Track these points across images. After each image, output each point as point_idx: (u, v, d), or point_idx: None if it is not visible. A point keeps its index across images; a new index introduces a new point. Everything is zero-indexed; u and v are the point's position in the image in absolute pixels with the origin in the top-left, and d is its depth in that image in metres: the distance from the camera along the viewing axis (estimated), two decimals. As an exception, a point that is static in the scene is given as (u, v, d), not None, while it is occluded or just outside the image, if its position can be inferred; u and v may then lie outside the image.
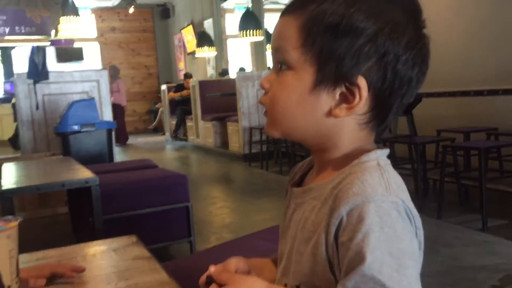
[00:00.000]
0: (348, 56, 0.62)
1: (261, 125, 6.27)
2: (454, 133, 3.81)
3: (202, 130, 7.96)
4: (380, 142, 0.72)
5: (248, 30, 7.56)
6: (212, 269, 0.70)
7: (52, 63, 5.08)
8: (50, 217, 3.86)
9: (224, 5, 11.17)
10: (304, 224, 0.66)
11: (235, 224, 3.53)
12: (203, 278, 0.71)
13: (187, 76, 9.68)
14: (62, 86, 5.04)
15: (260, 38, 8.02)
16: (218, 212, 3.92)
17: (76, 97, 4.69)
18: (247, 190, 4.80)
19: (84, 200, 2.54)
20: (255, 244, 1.37)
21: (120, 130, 8.79)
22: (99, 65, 11.65)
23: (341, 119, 0.64)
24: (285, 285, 0.69)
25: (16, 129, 7.93)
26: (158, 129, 11.88)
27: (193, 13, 11.30)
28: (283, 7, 0.70)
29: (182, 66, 12.45)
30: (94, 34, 12.53)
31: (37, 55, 4.77)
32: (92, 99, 4.31)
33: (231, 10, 11.64)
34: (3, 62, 10.99)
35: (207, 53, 9.62)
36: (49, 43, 5.97)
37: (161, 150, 8.82)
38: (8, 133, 9.36)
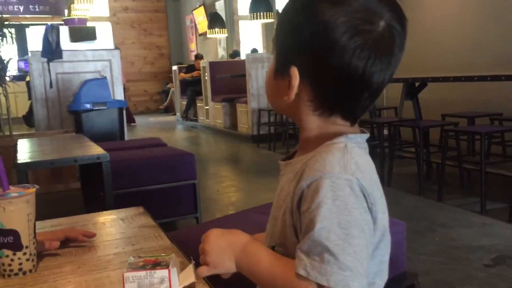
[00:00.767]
0: (284, 49, 0.73)
1: (270, 107, 6.34)
2: (459, 118, 3.86)
3: (212, 111, 8.05)
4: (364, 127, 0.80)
5: (259, 12, 7.57)
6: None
7: (65, 42, 5.17)
8: (63, 192, 4.00)
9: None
10: (280, 193, 0.76)
11: (240, 202, 3.64)
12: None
13: (198, 57, 9.74)
14: (75, 65, 5.15)
15: (271, 20, 8.03)
16: (225, 191, 4.03)
17: (89, 76, 4.79)
18: (254, 170, 4.90)
19: (96, 176, 2.65)
20: (252, 217, 1.47)
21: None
22: (111, 45, 11.72)
23: (296, 104, 0.74)
24: (273, 247, 0.78)
25: (30, 107, 8.08)
26: (169, 109, 11.99)
27: (205, -6, 11.30)
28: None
29: (193, 47, 12.49)
30: (106, 13, 12.59)
31: (51, 34, 4.86)
32: (104, 78, 4.41)
33: (243, -9, 11.62)
34: (17, 40, 11.12)
35: (218, 34, 9.65)
36: (63, 22, 6.04)
37: (171, 130, 8.94)
38: (22, 111, 9.54)
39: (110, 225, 1.28)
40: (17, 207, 0.90)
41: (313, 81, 0.71)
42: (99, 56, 5.28)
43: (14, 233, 0.90)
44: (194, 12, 11.76)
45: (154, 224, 1.25)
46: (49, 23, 5.54)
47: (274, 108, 0.82)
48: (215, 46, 11.08)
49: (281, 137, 5.88)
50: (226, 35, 9.90)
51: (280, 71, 0.75)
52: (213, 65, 7.95)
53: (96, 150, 2.54)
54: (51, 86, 5.04)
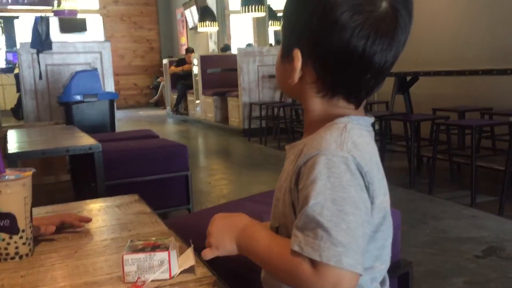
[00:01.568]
0: (287, 33, 0.75)
1: (261, 101, 6.34)
2: (449, 112, 3.89)
3: (202, 105, 8.03)
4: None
5: (251, 6, 7.56)
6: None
7: (55, 33, 5.12)
8: (53, 184, 3.96)
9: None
10: (282, 174, 0.77)
11: (232, 194, 3.64)
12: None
13: (189, 50, 9.70)
14: (65, 57, 5.09)
15: (262, 14, 8.02)
16: (217, 184, 4.03)
17: (79, 68, 4.74)
18: (246, 163, 4.91)
19: (87, 168, 2.63)
20: (248, 205, 1.47)
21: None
22: (101, 38, 11.63)
23: (301, 86, 0.75)
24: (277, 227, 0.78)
25: (19, 100, 7.99)
26: (159, 103, 11.93)
27: (196, -13, 11.23)
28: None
29: (184, 41, 12.42)
30: (96, 6, 12.47)
31: (41, 25, 4.81)
32: (95, 70, 4.38)
33: (235, -15, 11.58)
34: (5, 32, 10.98)
35: (209, 28, 9.61)
36: (53, 13, 5.98)
37: (162, 124, 8.90)
38: (10, 103, 9.43)
39: (105, 212, 1.28)
40: (13, 190, 0.89)
41: (315, 62, 0.71)
42: (89, 48, 5.24)
43: (11, 216, 0.89)
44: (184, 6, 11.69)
45: (150, 211, 1.25)
46: (39, 14, 5.48)
47: (283, 91, 0.83)
48: (206, 40, 11.04)
49: (272, 131, 5.89)
50: (217, 28, 9.86)
51: (285, 55, 0.75)
52: (204, 59, 7.92)
53: (88, 140, 2.52)
54: (40, 78, 4.99)
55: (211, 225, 0.79)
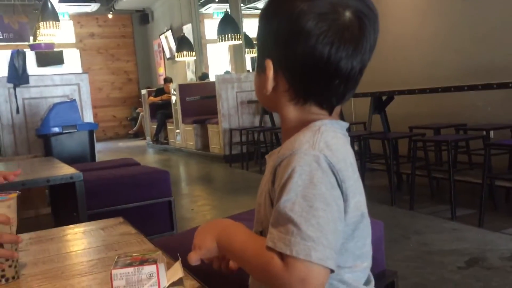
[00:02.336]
0: (260, 44, 0.79)
1: (241, 127, 6.39)
2: (426, 129, 3.97)
3: (183, 133, 8.04)
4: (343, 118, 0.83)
5: (227, 34, 7.68)
6: None
7: (32, 67, 5.11)
8: (33, 218, 3.90)
9: (203, 10, 11.29)
10: (263, 180, 0.79)
11: (216, 220, 3.62)
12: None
13: (167, 80, 9.75)
14: (42, 90, 5.07)
15: (239, 42, 8.15)
16: (200, 209, 4.01)
17: (57, 101, 4.72)
18: (228, 189, 4.90)
19: (68, 199, 2.60)
20: (234, 223, 1.47)
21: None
22: (79, 71, 11.62)
23: (276, 95, 0.78)
24: (261, 232, 0.79)
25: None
26: (139, 134, 11.89)
27: (172, 19, 11.37)
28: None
29: (161, 71, 12.50)
30: (72, 40, 12.49)
31: (17, 59, 4.80)
32: (74, 100, 4.37)
33: (210, 16, 11.75)
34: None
35: (187, 57, 9.71)
36: (29, 47, 5.98)
37: (143, 153, 8.85)
38: (-14, 140, 9.27)
39: (90, 234, 1.27)
40: (-1, 211, 0.89)
41: (285, 70, 0.75)
42: (67, 80, 5.23)
43: (-4, 238, 0.89)
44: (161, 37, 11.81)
45: (136, 231, 1.25)
46: (14, 49, 5.48)
47: (260, 102, 0.85)
48: (184, 70, 11.13)
49: (254, 156, 5.91)
50: (195, 58, 9.96)
51: (259, 66, 0.79)
52: (182, 88, 7.96)
53: (68, 170, 2.50)
54: (17, 112, 4.95)
55: (196, 231, 0.82)
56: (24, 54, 4.93)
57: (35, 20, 8.20)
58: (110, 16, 12.47)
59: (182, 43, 9.64)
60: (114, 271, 0.80)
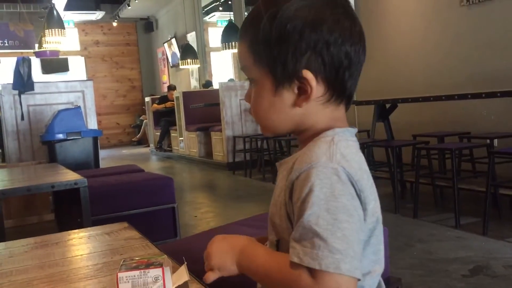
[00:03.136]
0: (288, 58, 0.74)
1: (245, 134, 6.40)
2: (429, 137, 3.97)
3: (186, 141, 8.05)
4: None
5: (231, 42, 7.71)
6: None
7: (37, 74, 5.15)
8: (36, 224, 3.91)
9: (207, 18, 11.35)
10: (275, 190, 0.79)
11: (219, 227, 3.62)
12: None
13: (171, 88, 9.78)
14: (47, 97, 5.11)
15: (243, 50, 8.16)
16: (203, 217, 4.01)
17: (62, 107, 4.76)
18: (231, 196, 4.90)
19: (72, 205, 2.61)
20: (239, 230, 1.48)
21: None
22: (83, 78, 11.68)
23: (305, 106, 0.77)
24: (278, 241, 0.80)
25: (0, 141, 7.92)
26: (143, 141, 11.91)
27: (176, 27, 11.44)
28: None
29: (165, 79, 12.54)
30: (77, 47, 12.57)
31: (23, 66, 4.83)
32: (78, 107, 4.39)
33: (214, 24, 11.81)
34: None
35: (191, 65, 9.75)
36: (34, 55, 6.01)
37: (146, 161, 8.87)
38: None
39: (95, 239, 1.28)
40: None
41: (322, 74, 0.74)
42: (72, 87, 5.27)
43: None
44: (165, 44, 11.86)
45: (141, 236, 1.25)
46: (20, 56, 5.52)
47: (277, 128, 0.81)
48: (188, 78, 11.17)
49: (257, 164, 5.91)
50: (198, 65, 10.00)
51: (284, 82, 0.76)
52: (186, 95, 7.99)
53: (73, 176, 2.51)
54: (22, 119, 4.98)
55: (210, 247, 0.80)
56: (29, 61, 4.96)
57: (41, 27, 8.25)
58: (114, 24, 12.55)
59: (186, 51, 9.68)
60: (120, 274, 0.80)
